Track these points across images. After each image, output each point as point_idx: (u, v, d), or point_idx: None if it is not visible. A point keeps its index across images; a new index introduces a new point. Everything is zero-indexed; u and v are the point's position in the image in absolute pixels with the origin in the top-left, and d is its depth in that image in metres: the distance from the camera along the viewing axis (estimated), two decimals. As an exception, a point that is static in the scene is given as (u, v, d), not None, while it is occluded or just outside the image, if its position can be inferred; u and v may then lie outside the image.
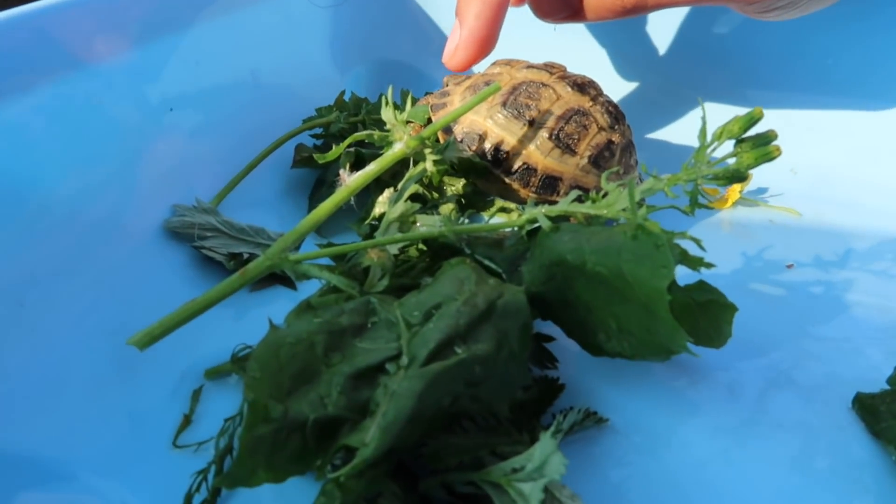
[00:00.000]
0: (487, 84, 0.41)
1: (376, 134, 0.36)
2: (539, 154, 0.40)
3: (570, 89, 0.42)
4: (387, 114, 0.35)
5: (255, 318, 0.35)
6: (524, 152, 0.40)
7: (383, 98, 0.36)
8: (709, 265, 0.28)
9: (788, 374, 0.34)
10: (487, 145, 0.40)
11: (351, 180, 0.32)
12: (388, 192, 0.36)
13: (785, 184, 0.53)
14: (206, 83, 0.43)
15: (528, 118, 0.40)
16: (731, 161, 0.31)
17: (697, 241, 0.28)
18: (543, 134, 0.40)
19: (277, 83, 0.49)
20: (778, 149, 0.28)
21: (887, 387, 0.32)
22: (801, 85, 0.55)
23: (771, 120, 0.55)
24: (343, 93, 0.48)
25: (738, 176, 0.29)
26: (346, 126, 0.46)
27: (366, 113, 0.48)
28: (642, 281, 0.25)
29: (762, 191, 0.53)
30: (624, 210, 0.28)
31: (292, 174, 0.46)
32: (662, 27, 0.58)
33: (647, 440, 0.30)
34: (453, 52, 0.37)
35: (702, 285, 0.30)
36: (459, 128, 0.41)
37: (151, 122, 0.39)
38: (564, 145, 0.40)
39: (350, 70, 0.57)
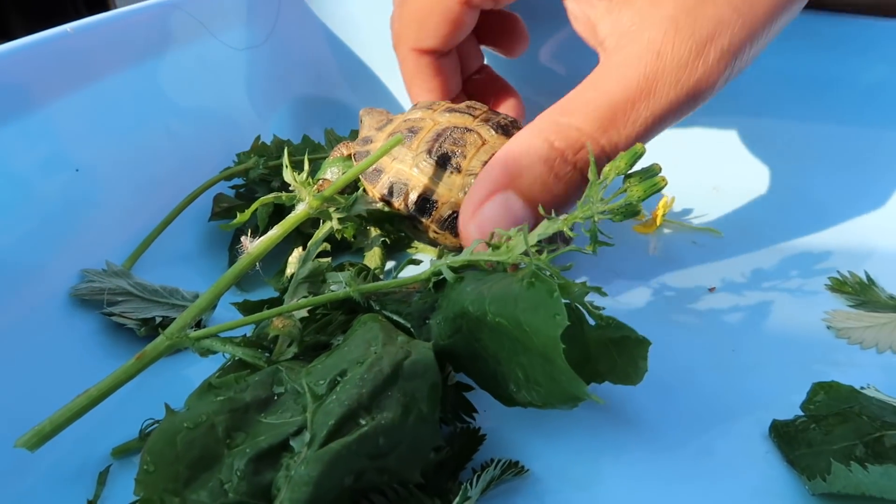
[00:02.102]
0: (410, 130, 0.41)
1: (284, 196, 0.35)
2: None
3: (494, 133, 0.41)
4: (287, 175, 0.34)
5: (172, 384, 0.34)
6: (453, 200, 0.39)
7: (283, 159, 0.35)
8: (607, 319, 0.28)
9: (708, 405, 0.35)
10: (414, 195, 0.40)
11: (253, 247, 0.31)
12: (297, 253, 0.35)
13: (709, 202, 0.54)
14: (116, 138, 0.42)
15: (454, 166, 0.40)
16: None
17: (598, 290, 0.28)
18: (471, 181, 0.40)
19: (195, 131, 0.48)
20: (664, 179, 0.29)
21: (802, 413, 0.33)
22: (722, 105, 0.56)
23: (694, 140, 0.57)
24: (258, 138, 0.48)
25: (631, 210, 0.29)
26: (266, 171, 0.46)
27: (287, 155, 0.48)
28: (538, 330, 0.25)
29: (687, 211, 0.54)
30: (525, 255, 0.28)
31: (212, 226, 0.45)
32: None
33: (570, 487, 0.30)
34: None
35: (613, 321, 0.30)
36: (385, 177, 0.41)
37: (56, 185, 0.38)
38: None
39: (273, 111, 0.56)
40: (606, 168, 0.29)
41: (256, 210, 0.41)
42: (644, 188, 0.28)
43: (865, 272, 0.45)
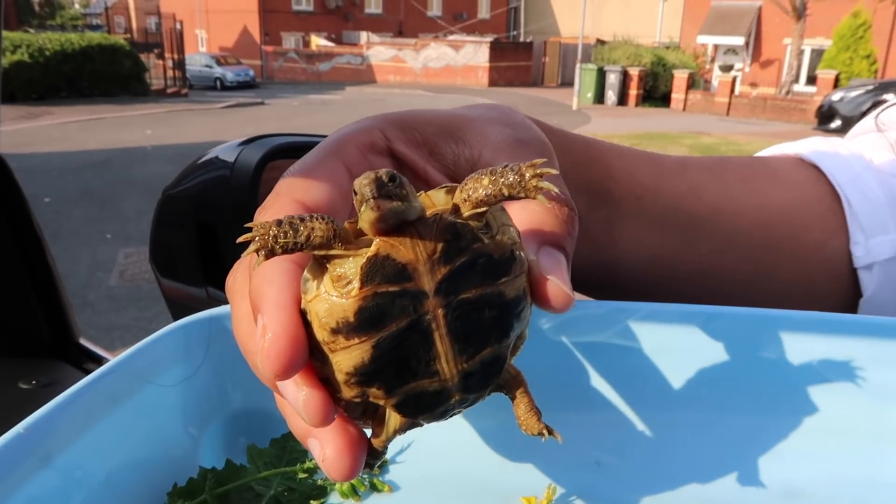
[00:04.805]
0: None
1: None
2: None
3: None
4: None
5: None
6: None
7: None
8: None
9: None
10: None
11: None
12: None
13: (591, 478, 0.62)
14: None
15: None
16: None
17: None
18: None
19: (134, 476, 0.55)
20: None
21: None
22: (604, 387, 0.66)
23: (575, 416, 0.66)
24: (175, 485, 0.55)
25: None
26: (194, 513, 0.53)
27: (209, 489, 0.55)
28: None
29: (570, 493, 0.62)
30: None
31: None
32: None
33: None
34: (266, 363, 0.35)
35: None
36: None
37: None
38: None
39: (204, 432, 0.64)
40: None
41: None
42: None
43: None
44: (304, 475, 0.60)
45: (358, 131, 0.47)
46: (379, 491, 0.62)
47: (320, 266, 0.36)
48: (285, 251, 0.34)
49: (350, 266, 0.35)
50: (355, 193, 0.34)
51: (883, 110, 0.81)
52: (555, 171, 0.35)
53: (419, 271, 0.35)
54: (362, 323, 0.35)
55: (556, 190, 0.35)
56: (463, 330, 0.37)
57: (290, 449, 0.64)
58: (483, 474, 0.63)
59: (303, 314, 0.37)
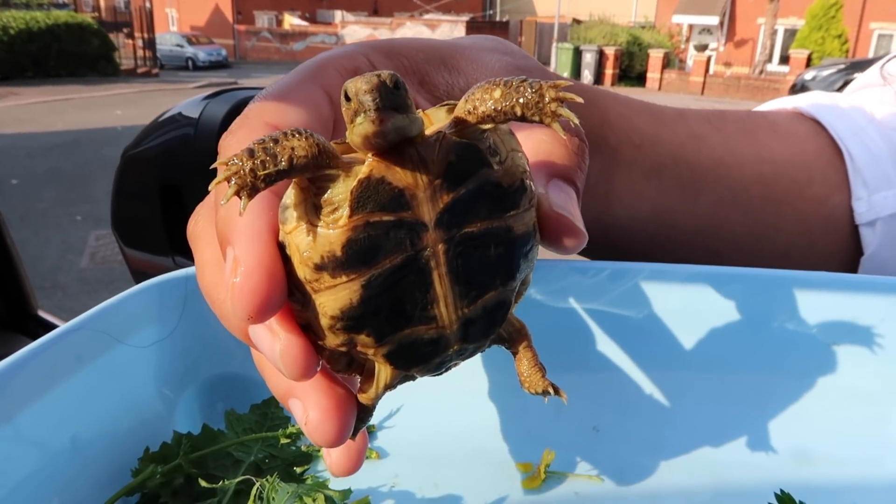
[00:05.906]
0: None
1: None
2: None
3: None
4: None
5: None
6: None
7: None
8: None
9: None
10: None
11: None
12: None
13: (589, 444, 0.59)
14: (21, 475, 0.44)
15: None
16: None
17: None
18: None
19: (102, 440, 0.51)
20: None
21: None
22: (602, 351, 0.63)
23: (572, 378, 0.63)
24: (147, 450, 0.51)
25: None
26: (163, 480, 0.49)
27: (184, 454, 0.51)
28: None
29: (571, 458, 0.58)
30: None
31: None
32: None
33: None
34: (237, 302, 0.30)
35: None
36: None
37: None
38: None
39: (180, 397, 0.60)
40: None
41: None
42: None
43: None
44: (287, 440, 0.56)
45: (340, 55, 0.42)
46: (367, 458, 0.59)
47: (302, 191, 0.31)
48: (269, 183, 0.29)
49: (338, 190, 0.30)
50: (347, 99, 0.28)
51: (888, 60, 0.78)
52: (579, 99, 0.30)
53: (418, 198, 0.30)
54: (351, 258, 0.30)
55: (577, 121, 0.30)
56: (465, 269, 0.32)
57: (271, 415, 0.60)
58: (477, 440, 0.60)
59: (281, 248, 0.32)
